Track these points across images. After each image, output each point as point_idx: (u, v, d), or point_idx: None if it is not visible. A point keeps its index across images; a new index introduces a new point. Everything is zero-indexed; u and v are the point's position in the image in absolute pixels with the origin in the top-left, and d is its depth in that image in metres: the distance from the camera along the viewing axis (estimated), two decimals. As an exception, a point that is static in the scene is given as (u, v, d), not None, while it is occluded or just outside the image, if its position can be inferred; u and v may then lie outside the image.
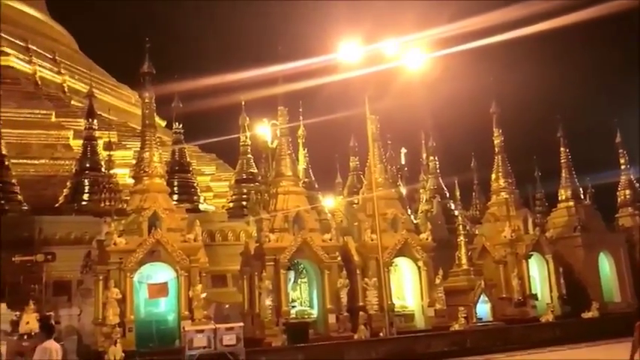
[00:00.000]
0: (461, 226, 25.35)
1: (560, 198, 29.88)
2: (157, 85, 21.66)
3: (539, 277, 25.66)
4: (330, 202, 29.82)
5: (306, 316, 20.35)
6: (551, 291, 25.16)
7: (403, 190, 29.04)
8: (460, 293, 23.21)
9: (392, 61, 19.55)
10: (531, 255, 25.15)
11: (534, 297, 24.60)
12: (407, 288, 22.49)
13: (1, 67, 36.47)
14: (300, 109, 28.62)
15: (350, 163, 30.84)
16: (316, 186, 30.06)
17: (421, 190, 33.22)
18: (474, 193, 36.92)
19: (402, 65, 20.29)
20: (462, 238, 24.91)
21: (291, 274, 20.69)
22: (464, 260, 24.67)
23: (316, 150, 31.53)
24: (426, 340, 19.67)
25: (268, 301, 19.38)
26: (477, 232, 27.71)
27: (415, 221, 24.93)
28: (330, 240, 20.78)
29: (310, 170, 30.45)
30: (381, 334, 19.77)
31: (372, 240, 21.27)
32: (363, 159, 26.34)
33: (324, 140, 32.63)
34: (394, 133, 31.16)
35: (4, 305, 19.53)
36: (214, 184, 38.38)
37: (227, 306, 22.39)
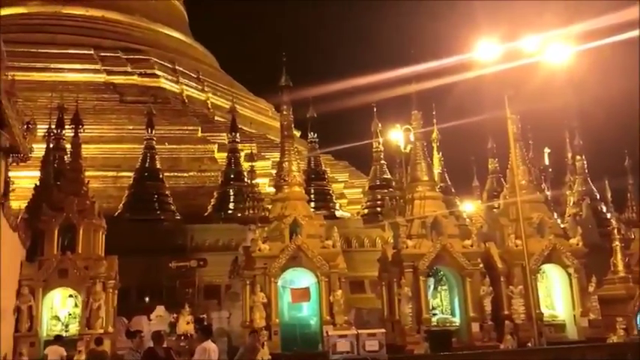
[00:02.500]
0: (615, 230, 23.36)
1: None
2: (292, 92, 22.32)
3: None
4: (468, 206, 28.95)
5: (448, 324, 19.83)
6: None
7: (548, 193, 27.43)
8: (617, 302, 21.31)
9: (533, 57, 18.51)
10: None
11: None
12: (556, 296, 21.10)
13: (154, 89, 39.96)
14: (434, 112, 28.19)
15: (488, 166, 29.70)
16: (453, 190, 29.38)
17: (568, 192, 31.16)
18: (628, 194, 33.91)
19: (544, 61, 19.15)
20: (617, 242, 22.91)
21: (431, 281, 20.28)
22: (620, 267, 22.64)
23: (451, 153, 30.81)
24: (580, 352, 18.24)
25: (408, 308, 19.16)
26: (633, 237, 25.39)
27: (563, 225, 23.40)
28: (471, 246, 20.09)
29: (446, 174, 29.82)
30: (530, 344, 18.70)
31: (516, 246, 20.25)
32: (503, 161, 25.26)
33: (459, 143, 31.81)
34: (536, 132, 29.61)
35: (162, 307, 21.20)
36: (348, 191, 38.93)
37: (366, 311, 22.50)
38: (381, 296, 21.39)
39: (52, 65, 38.16)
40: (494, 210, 24.14)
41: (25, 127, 16.81)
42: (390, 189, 30.13)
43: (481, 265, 20.06)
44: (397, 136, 26.14)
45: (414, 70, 21.60)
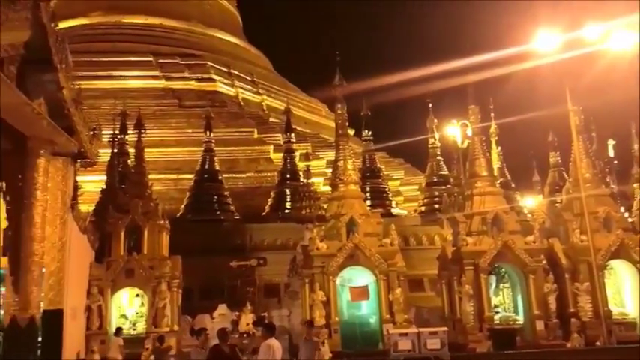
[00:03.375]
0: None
1: None
2: (346, 91, 22.35)
3: None
4: (529, 201, 28.21)
5: (511, 322, 19.43)
6: None
7: (614, 186, 26.38)
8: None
9: (595, 46, 17.86)
10: None
11: None
12: (626, 293, 20.31)
13: (211, 93, 40.86)
14: (491, 106, 27.63)
15: (549, 160, 28.84)
16: (513, 185, 28.69)
17: (635, 186, 29.83)
18: (701, 186, 32.12)
19: (607, 50, 18.44)
20: (690, 236, 21.81)
21: (493, 279, 19.91)
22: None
23: (510, 147, 30.10)
24: (653, 352, 17.51)
25: (470, 306, 18.90)
26: None
27: (631, 220, 22.45)
28: (534, 242, 19.61)
29: (505, 169, 29.15)
30: (598, 342, 18.09)
31: (581, 241, 19.63)
32: (564, 155, 24.52)
33: (518, 137, 31.04)
34: (599, 124, 28.54)
35: (224, 306, 21.66)
36: (404, 189, 38.60)
37: (426, 310, 22.29)
38: (441, 294, 21.16)
39: (115, 73, 39.56)
40: (557, 205, 23.42)
41: (92, 133, 17.54)
42: (448, 185, 29.69)
43: (544, 262, 19.55)
44: (454, 131, 25.74)
45: (470, 63, 21.24)
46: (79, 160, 17.55)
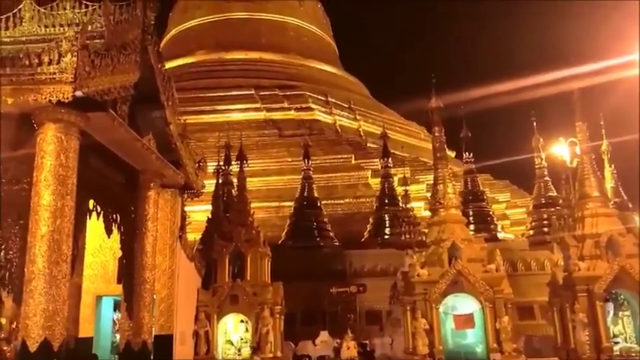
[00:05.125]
0: None
1: None
2: (444, 113, 21.94)
3: None
4: (650, 222, 26.05)
5: (633, 354, 17.84)
6: None
7: None
8: None
9: None
10: None
11: None
12: None
13: (309, 121, 41.78)
14: (602, 122, 26.06)
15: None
16: (630, 205, 26.67)
17: None
18: None
19: None
20: None
21: (610, 306, 18.43)
22: None
23: (626, 165, 28.08)
24: None
25: (585, 336, 17.59)
26: None
27: None
28: (656, 266, 18.01)
29: (620, 188, 27.23)
30: None
31: None
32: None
33: (633, 153, 28.91)
34: None
35: (326, 333, 21.70)
36: (510, 212, 37.13)
37: (537, 339, 21.09)
38: (552, 323, 19.89)
39: (218, 107, 41.57)
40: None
41: (197, 165, 18.44)
42: (557, 207, 28.15)
43: (669, 288, 17.87)
44: (561, 150, 24.46)
45: (574, 74, 20.16)
46: (186, 191, 18.47)
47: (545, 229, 28.22)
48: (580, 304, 17.84)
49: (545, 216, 29.12)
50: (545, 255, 24.93)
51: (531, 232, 29.72)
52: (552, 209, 28.77)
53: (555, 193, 29.48)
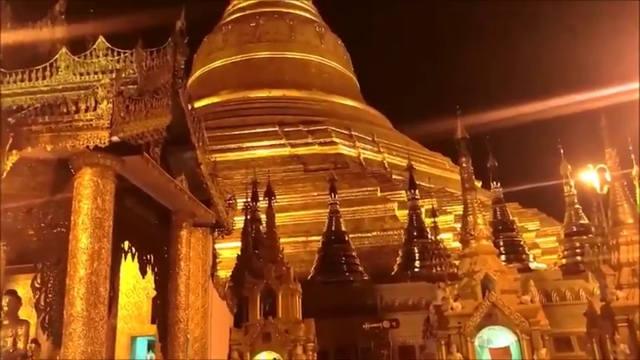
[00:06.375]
0: None
1: None
2: (469, 143, 21.89)
3: None
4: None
5: (679, 386, 17.23)
6: None
7: None
8: None
9: None
10: None
11: None
12: None
13: (333, 155, 42.04)
14: (630, 147, 25.68)
15: None
16: (666, 231, 26.01)
17: None
18: None
19: None
20: None
21: (652, 336, 17.92)
22: None
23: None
24: None
25: (628, 368, 17.10)
26: None
27: None
28: (698, 294, 17.51)
29: (655, 214, 26.64)
30: None
31: None
32: None
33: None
34: None
35: (359, 369, 21.43)
36: (540, 240, 36.58)
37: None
38: (592, 354, 19.35)
39: (244, 144, 42.12)
40: None
41: (227, 203, 18.66)
42: (589, 235, 27.64)
43: None
44: (590, 177, 24.16)
45: (601, 99, 20.05)
46: (216, 230, 18.66)
47: (578, 258, 27.69)
48: (620, 335, 17.37)
49: (577, 244, 28.61)
50: (580, 284, 24.44)
51: (564, 260, 29.18)
52: (584, 237, 28.26)
53: (587, 221, 29.02)
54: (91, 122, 11.51)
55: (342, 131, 44.87)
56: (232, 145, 41.33)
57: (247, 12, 55.34)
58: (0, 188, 10.79)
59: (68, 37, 16.51)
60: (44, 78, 14.00)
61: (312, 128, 44.28)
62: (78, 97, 12.03)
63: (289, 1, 56.54)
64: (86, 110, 11.60)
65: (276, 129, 43.56)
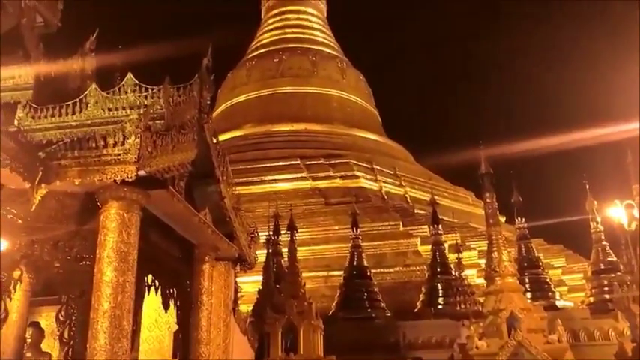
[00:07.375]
0: None
1: None
2: (493, 179, 21.69)
3: None
4: None
5: None
6: None
7: None
8: None
9: None
10: None
11: None
12: None
13: (355, 189, 41.97)
14: (658, 183, 25.22)
15: None
16: (698, 270, 25.31)
17: None
18: None
19: None
20: None
21: (686, 379, 17.31)
22: None
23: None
24: None
25: (661, 413, 16.47)
26: None
27: None
28: None
29: (686, 252, 25.98)
30: None
31: None
32: None
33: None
34: None
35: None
36: (567, 277, 35.83)
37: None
38: (624, 398, 18.73)
39: (266, 178, 42.32)
40: None
41: (250, 237, 18.64)
42: (618, 273, 27.03)
43: None
44: (618, 213, 23.72)
45: (628, 132, 19.77)
46: (239, 263, 18.60)
47: (607, 296, 27.01)
48: (653, 378, 16.83)
49: (605, 282, 27.96)
50: (609, 323, 23.79)
51: (591, 298, 28.48)
52: (613, 275, 27.65)
53: (615, 258, 28.41)
54: (118, 157, 11.68)
55: (364, 165, 44.89)
56: (254, 179, 41.55)
57: (270, 48, 56.36)
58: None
59: (97, 72, 16.93)
60: (74, 113, 14.27)
61: (333, 162, 44.39)
62: (106, 132, 12.23)
63: (312, 38, 57.51)
64: (114, 145, 11.78)
65: (298, 162, 43.76)
